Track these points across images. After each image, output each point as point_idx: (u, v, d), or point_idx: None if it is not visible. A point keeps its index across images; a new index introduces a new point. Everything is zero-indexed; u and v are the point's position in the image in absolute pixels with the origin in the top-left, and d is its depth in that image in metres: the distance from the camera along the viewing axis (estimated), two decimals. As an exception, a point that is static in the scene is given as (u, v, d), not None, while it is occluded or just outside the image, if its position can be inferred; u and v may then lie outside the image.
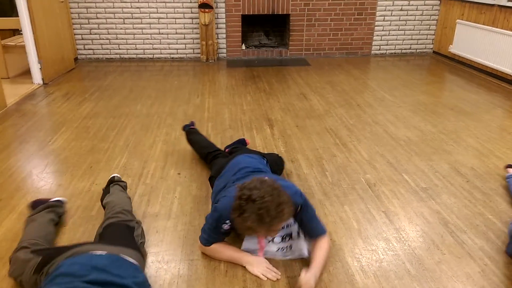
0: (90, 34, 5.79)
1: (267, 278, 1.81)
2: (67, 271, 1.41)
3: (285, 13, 5.88)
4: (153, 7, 5.70)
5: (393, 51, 6.31)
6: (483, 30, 5.10)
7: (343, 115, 3.83)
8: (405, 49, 6.31)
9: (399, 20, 6.11)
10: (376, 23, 6.08)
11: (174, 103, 4.16)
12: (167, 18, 5.77)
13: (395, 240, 2.10)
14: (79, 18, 5.68)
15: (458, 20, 5.58)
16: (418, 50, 6.34)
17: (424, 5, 6.05)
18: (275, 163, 2.58)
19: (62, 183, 2.63)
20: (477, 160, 2.97)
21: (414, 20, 6.13)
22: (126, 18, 5.74)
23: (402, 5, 6.02)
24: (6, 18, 5.38)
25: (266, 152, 2.90)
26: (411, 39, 6.26)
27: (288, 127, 3.54)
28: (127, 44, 5.88)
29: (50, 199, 2.25)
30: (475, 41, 5.25)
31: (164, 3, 5.69)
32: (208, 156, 2.73)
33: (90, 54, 5.91)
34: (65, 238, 2.09)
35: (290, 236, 1.97)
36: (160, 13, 5.74)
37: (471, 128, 3.53)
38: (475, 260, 1.95)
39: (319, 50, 6.15)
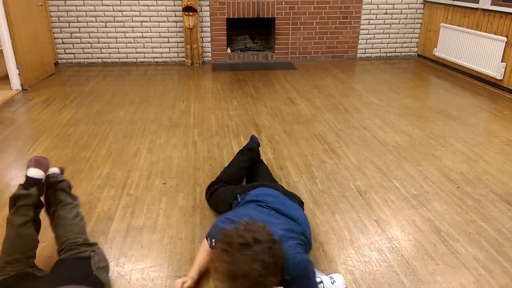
0: (71, 38, 5.64)
1: None
2: None
3: (270, 16, 5.83)
4: (135, 10, 5.59)
5: (378, 54, 6.32)
6: (467, 33, 5.14)
7: (331, 119, 3.79)
8: (390, 52, 6.33)
9: (384, 24, 6.12)
10: (361, 26, 6.08)
11: (159, 108, 4.06)
12: (150, 22, 5.66)
13: (388, 250, 2.05)
14: (59, 22, 5.53)
15: (442, 24, 5.62)
16: (402, 54, 6.37)
17: (409, 8, 6.08)
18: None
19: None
20: (466, 165, 2.96)
21: (399, 23, 6.15)
22: (108, 22, 5.61)
23: (386, 9, 6.04)
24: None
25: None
26: (396, 43, 6.28)
27: (276, 133, 3.48)
28: (109, 48, 5.75)
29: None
30: (459, 44, 5.29)
31: (147, 6, 5.58)
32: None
33: (71, 59, 5.76)
34: (45, 253, 1.98)
35: None
36: (143, 16, 5.62)
37: (458, 132, 3.53)
38: (469, 270, 1.92)
39: (305, 53, 6.11)
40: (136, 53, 5.82)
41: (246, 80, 5.10)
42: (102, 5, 5.50)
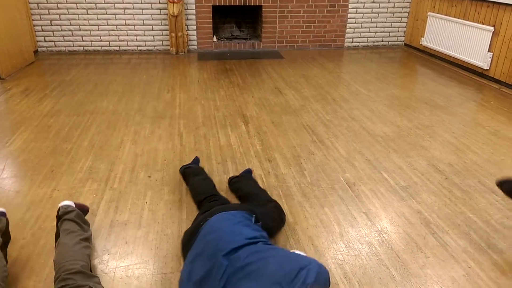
0: (51, 25, 5.44)
1: None
2: None
3: (257, 4, 5.72)
4: (118, -3, 5.42)
5: (365, 44, 6.28)
6: (454, 23, 5.12)
7: (319, 110, 3.74)
8: (377, 41, 6.29)
9: (371, 13, 6.07)
10: (349, 15, 6.02)
11: (143, 98, 3.95)
12: (133, 9, 5.50)
13: (378, 243, 2.02)
14: (38, 9, 5.33)
15: (429, 13, 5.59)
16: (390, 43, 6.34)
17: (396, -3, 6.04)
18: (269, 217, 1.97)
19: (20, 190, 2.41)
20: (454, 156, 2.95)
21: (386, 12, 6.11)
22: (89, 9, 5.42)
23: (374, -3, 5.98)
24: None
25: (256, 201, 2.19)
26: (383, 32, 6.24)
27: (264, 124, 3.42)
28: (91, 35, 5.57)
29: None
30: (446, 34, 5.28)
31: (130, -7, 5.41)
32: (201, 202, 2.19)
33: (51, 47, 5.57)
34: (24, 253, 1.90)
35: None
36: (126, 3, 5.45)
37: (446, 123, 3.52)
38: (459, 262, 1.91)
39: (292, 42, 6.03)
40: (119, 41, 5.66)
41: (233, 69, 5.01)
42: (83, -9, 5.32)
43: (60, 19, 5.42)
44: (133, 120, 3.43)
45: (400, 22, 6.21)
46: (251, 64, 5.27)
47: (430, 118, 3.61)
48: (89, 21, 5.48)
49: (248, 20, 6.23)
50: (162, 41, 5.75)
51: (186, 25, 5.64)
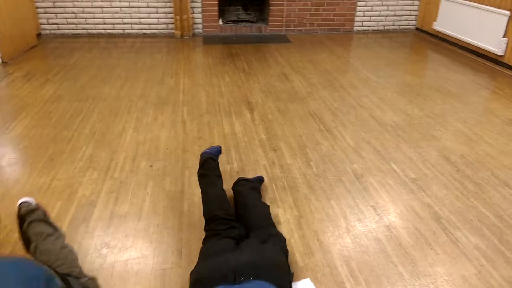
0: (54, 7, 5.33)
1: None
2: None
3: (264, -14, 5.55)
4: (122, -22, 5.28)
5: (375, 28, 6.10)
6: (468, 6, 4.93)
7: (326, 97, 3.63)
8: (387, 25, 6.11)
9: (382, -5, 5.88)
10: (359, -2, 5.83)
11: (146, 84, 3.87)
12: (137, -9, 5.37)
13: (386, 239, 1.95)
14: (40, -10, 5.22)
15: (442, -4, 5.39)
16: (401, 27, 6.15)
17: (408, -21, 5.83)
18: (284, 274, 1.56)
19: (19, 178, 2.36)
20: (466, 146, 2.84)
21: (398, -5, 5.91)
22: (92, -10, 5.30)
23: (385, -21, 5.78)
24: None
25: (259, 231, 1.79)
26: (394, 15, 6.05)
27: (269, 111, 3.33)
28: (94, 18, 5.46)
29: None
30: (460, 18, 5.09)
31: (134, -26, 5.27)
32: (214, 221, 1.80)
33: (54, 30, 5.47)
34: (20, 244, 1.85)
35: None
36: (130, -16, 5.32)
37: (458, 111, 3.40)
38: (470, 260, 1.83)
39: (300, 26, 5.87)
40: (123, 24, 5.54)
41: (238, 54, 4.89)
42: (86, -28, 5.19)
43: (63, 1, 5.30)
44: (135, 107, 3.36)
45: (412, 5, 6.01)
46: (257, 48, 5.14)
47: (441, 107, 3.48)
48: (93, 3, 5.36)
49: (255, 2, 6.06)
50: (167, 24, 5.62)
51: (191, 7, 5.50)
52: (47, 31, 5.46)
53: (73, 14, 5.40)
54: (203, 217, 1.84)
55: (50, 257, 1.47)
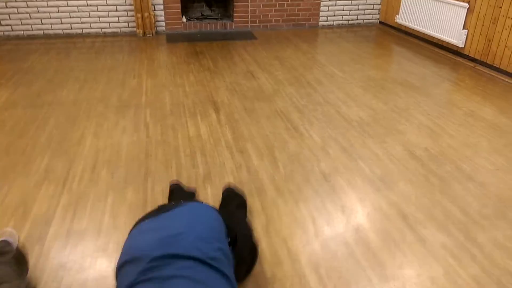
0: (6, 7, 5.05)
1: None
2: None
3: (227, -19, 5.45)
4: (78, -25, 5.05)
5: (340, 22, 6.11)
6: (429, -1, 5.00)
7: (293, 94, 3.60)
8: (352, 20, 6.13)
9: (346, -11, 5.89)
10: (323, -8, 5.82)
11: (107, 86, 3.72)
12: (95, -12, 5.15)
13: (355, 242, 1.93)
14: (-11, -12, 4.92)
15: (404, -11, 5.45)
16: (365, 21, 6.19)
17: (371, -28, 5.86)
18: (247, 247, 1.58)
19: (-32, 195, 2.20)
20: (430, 139, 2.87)
21: (361, -12, 5.93)
22: (47, -12, 5.04)
23: (348, -27, 5.78)
24: None
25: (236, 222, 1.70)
26: (358, 9, 6.08)
27: (236, 111, 3.26)
28: (50, 18, 5.21)
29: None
30: (421, 11, 5.16)
31: (90, -29, 5.05)
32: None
33: (8, 31, 5.18)
34: None
35: None
36: (87, -18, 5.10)
37: (421, 104, 3.44)
38: (438, 260, 1.83)
39: (265, 22, 5.81)
40: (81, 23, 5.31)
41: (203, 52, 4.78)
42: (39, -31, 4.93)
43: (16, 1, 5.03)
44: (95, 111, 3.21)
45: (375, -2, 6.05)
46: (222, 45, 5.04)
47: (405, 100, 3.51)
48: (48, 2, 5.11)
49: (218, -2, 5.96)
50: (128, 22, 5.43)
51: (152, 4, 5.33)
52: (0, 33, 5.17)
53: (27, 14, 5.13)
54: None
55: None
